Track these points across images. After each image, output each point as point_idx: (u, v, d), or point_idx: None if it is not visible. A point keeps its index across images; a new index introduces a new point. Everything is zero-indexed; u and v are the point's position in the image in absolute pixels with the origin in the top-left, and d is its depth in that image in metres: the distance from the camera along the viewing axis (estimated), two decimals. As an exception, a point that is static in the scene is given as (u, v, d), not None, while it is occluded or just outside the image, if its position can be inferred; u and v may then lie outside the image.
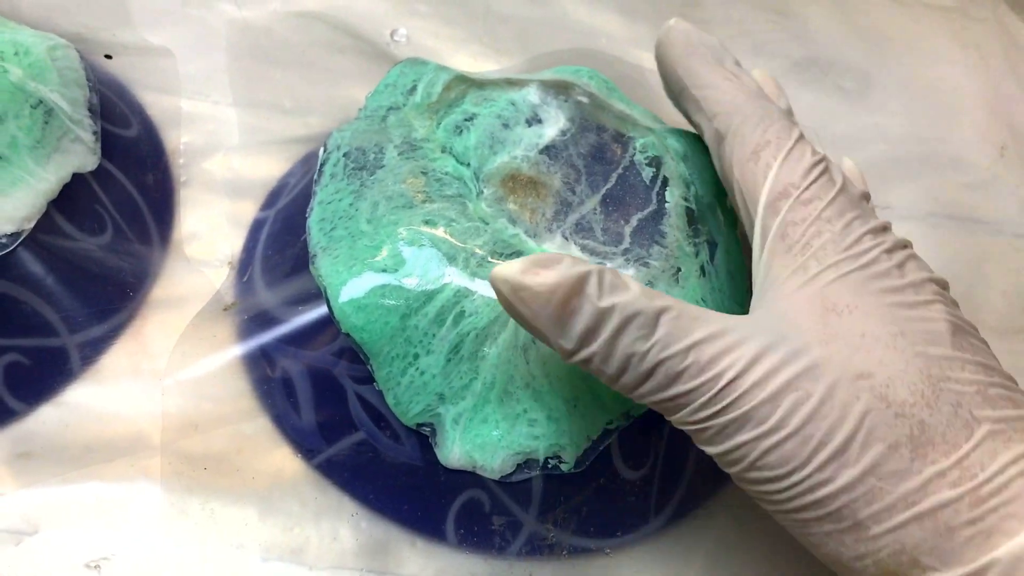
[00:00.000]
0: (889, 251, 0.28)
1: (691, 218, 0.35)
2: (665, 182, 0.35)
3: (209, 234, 0.38)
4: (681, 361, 0.25)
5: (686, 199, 0.35)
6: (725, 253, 0.37)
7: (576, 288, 0.25)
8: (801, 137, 0.30)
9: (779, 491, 0.25)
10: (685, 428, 0.26)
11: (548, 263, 0.25)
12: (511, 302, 0.25)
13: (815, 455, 0.24)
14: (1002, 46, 0.55)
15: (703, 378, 0.25)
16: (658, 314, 0.25)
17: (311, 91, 0.44)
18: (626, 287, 0.25)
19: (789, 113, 0.35)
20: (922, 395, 0.24)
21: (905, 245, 0.29)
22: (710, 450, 0.26)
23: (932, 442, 0.23)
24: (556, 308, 0.25)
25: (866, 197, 0.32)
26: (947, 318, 0.26)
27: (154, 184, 0.38)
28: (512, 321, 0.31)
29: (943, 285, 0.28)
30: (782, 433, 0.24)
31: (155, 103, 0.42)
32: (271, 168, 0.41)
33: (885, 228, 0.29)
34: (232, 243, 0.38)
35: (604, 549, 0.34)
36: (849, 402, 0.24)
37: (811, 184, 0.29)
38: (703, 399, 0.25)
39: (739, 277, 0.38)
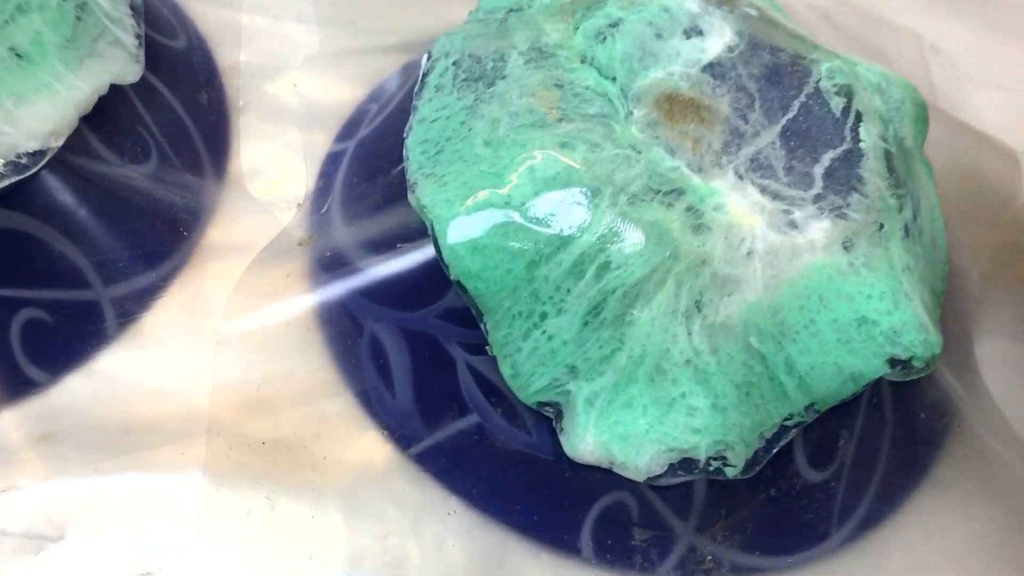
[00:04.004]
0: None
1: (890, 164, 0.31)
2: (859, 117, 0.31)
3: (274, 170, 0.36)
4: None
5: (884, 140, 0.31)
6: (928, 212, 0.33)
7: None
8: None
9: None
10: None
11: None
12: None
13: None
14: None
15: None
16: None
17: (388, 4, 0.41)
18: None
19: None
20: None
21: None
22: None
23: None
24: None
25: None
26: None
27: (208, 105, 0.36)
28: (672, 278, 0.27)
29: None
30: None
31: (206, 14, 0.39)
32: (344, 93, 0.38)
33: None
34: (302, 180, 0.36)
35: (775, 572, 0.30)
36: None
37: None
38: None
39: (941, 244, 0.34)
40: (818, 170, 0.30)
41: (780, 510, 0.30)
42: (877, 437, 0.32)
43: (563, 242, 0.27)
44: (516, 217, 0.27)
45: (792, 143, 0.30)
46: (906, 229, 0.30)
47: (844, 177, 0.30)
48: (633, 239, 0.27)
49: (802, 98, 0.31)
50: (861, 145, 0.30)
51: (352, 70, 0.39)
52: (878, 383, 0.30)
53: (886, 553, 0.31)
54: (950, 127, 0.41)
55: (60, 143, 0.29)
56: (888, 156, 0.31)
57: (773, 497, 0.30)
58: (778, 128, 0.31)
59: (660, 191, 0.28)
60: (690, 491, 0.29)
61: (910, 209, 0.31)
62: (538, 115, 0.29)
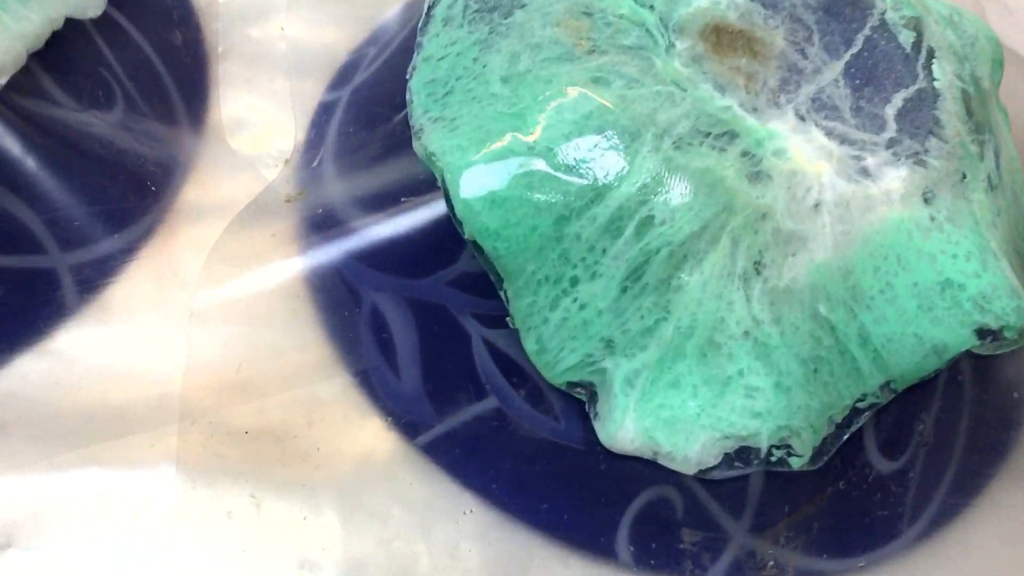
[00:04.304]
0: None
1: (969, 107, 0.29)
2: (931, 53, 0.29)
3: (258, 122, 0.35)
4: None
5: (961, 79, 0.29)
6: (1008, 163, 0.31)
7: None
8: None
9: None
10: None
11: None
12: None
13: None
14: None
15: None
16: None
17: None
18: None
19: None
20: None
21: None
22: None
23: None
24: None
25: None
26: None
27: (182, 47, 0.34)
28: (727, 235, 0.26)
29: None
30: None
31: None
32: (338, 36, 0.37)
33: None
34: (290, 134, 0.34)
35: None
36: None
37: None
38: None
39: (1023, 198, 0.32)
40: (890, 111, 0.28)
41: (850, 506, 0.28)
42: (955, 420, 0.30)
43: (598, 194, 0.25)
44: (542, 165, 0.26)
45: (857, 81, 0.29)
46: (989, 180, 0.29)
47: (919, 119, 0.28)
48: (680, 189, 0.26)
49: (866, 31, 0.30)
50: (936, 84, 0.29)
51: (347, 10, 0.37)
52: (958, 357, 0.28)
53: (963, 550, 0.29)
54: (1020, 70, 0.38)
55: (3, 81, 0.28)
56: (966, 97, 0.29)
57: (842, 491, 0.27)
58: (841, 64, 0.29)
59: (710, 134, 0.26)
60: (744, 485, 0.27)
61: (992, 157, 0.29)
62: (565, 47, 0.27)
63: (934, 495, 0.29)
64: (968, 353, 0.27)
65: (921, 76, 0.29)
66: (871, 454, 0.28)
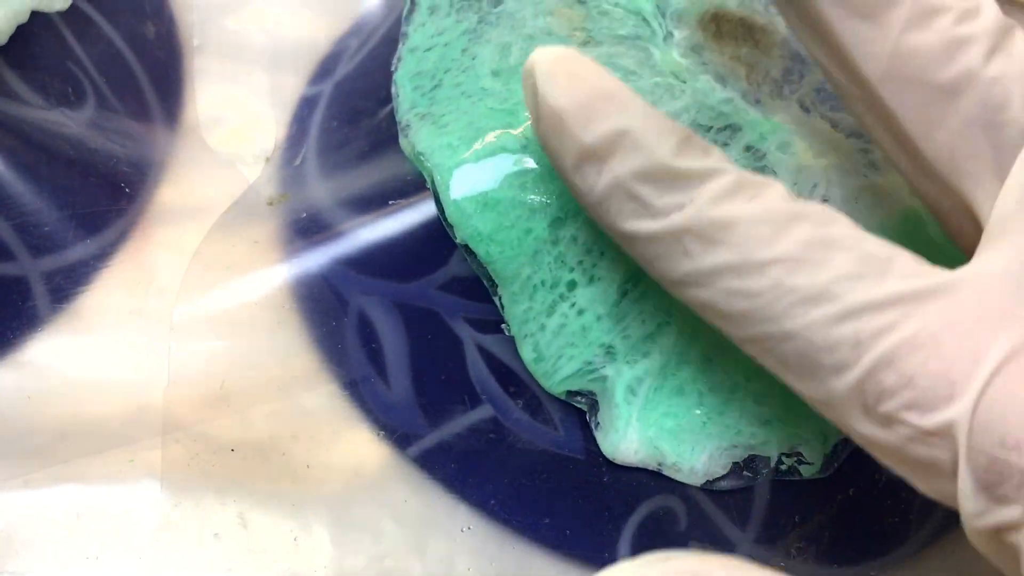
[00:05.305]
0: None
1: None
2: None
3: (237, 118, 0.33)
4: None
5: None
6: None
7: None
8: None
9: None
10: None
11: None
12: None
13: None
14: None
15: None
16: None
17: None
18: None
19: None
20: None
21: None
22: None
23: None
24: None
25: None
26: None
27: (155, 40, 0.33)
28: None
29: None
30: None
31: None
32: (319, 27, 0.36)
33: None
34: (271, 130, 0.33)
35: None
36: None
37: None
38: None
39: None
40: (897, 101, 0.27)
41: (861, 513, 0.27)
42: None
43: (595, 193, 0.24)
44: (535, 164, 0.25)
45: (863, 69, 0.27)
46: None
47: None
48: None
49: (871, 17, 0.28)
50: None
51: (325, 4, 0.36)
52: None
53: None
54: None
55: (-36, 80, 0.26)
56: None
57: (852, 498, 0.27)
58: (845, 52, 0.28)
59: (712, 127, 0.25)
60: (750, 494, 0.26)
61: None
62: (558, 38, 0.26)
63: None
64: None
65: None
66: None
